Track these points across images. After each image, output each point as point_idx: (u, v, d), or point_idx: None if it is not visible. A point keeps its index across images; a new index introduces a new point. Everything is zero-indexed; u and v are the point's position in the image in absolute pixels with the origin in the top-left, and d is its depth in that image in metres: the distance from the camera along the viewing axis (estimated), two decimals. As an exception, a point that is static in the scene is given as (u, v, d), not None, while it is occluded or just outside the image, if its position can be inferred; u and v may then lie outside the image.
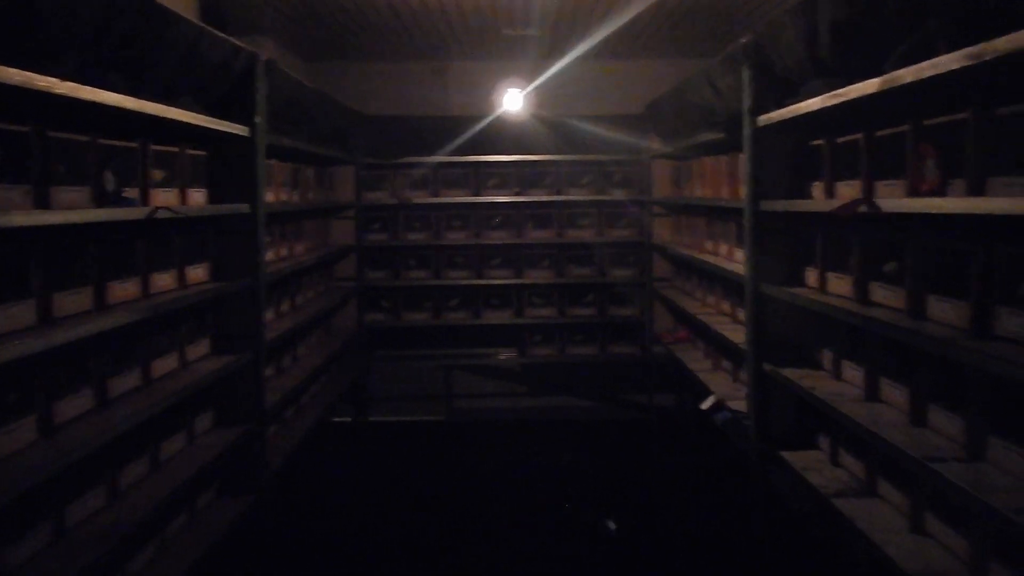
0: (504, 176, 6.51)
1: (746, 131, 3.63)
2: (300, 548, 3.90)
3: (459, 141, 6.34)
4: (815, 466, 3.36)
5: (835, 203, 2.89)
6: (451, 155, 6.36)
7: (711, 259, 4.73)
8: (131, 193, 2.91)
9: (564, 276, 6.52)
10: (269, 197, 4.17)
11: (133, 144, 2.95)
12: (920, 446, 2.46)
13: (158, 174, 3.13)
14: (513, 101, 6.27)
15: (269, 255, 4.30)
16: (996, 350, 2.08)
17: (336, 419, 6.22)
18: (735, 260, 4.35)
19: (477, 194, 6.46)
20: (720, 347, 4.77)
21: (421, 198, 6.46)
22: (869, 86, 2.43)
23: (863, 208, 2.58)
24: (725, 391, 4.42)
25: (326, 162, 5.95)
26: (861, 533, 2.70)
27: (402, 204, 6.47)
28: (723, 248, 4.67)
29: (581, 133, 6.43)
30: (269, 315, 4.37)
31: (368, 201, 6.50)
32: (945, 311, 2.43)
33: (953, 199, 2.17)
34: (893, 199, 2.50)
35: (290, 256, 4.86)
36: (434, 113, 6.50)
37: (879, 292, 2.83)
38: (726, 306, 4.79)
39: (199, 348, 3.56)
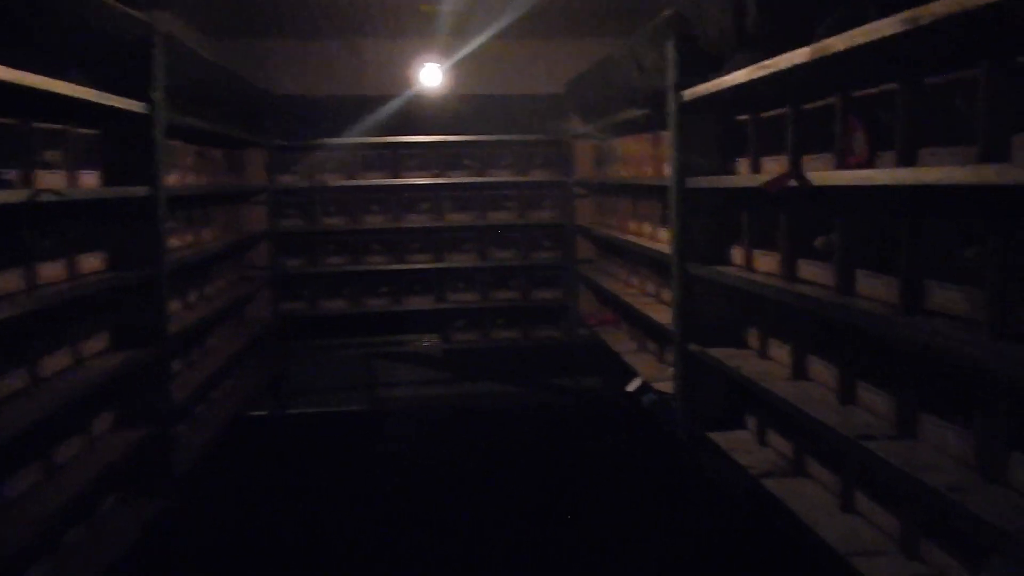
0: (424, 157, 6.34)
1: (671, 106, 3.56)
2: (213, 555, 3.69)
3: (376, 121, 6.13)
4: (743, 446, 3.33)
5: (761, 178, 2.83)
6: (369, 136, 6.15)
7: (635, 239, 4.67)
8: (11, 175, 2.65)
9: (487, 260, 6.40)
10: (172, 180, 3.91)
11: (13, 121, 2.68)
12: (850, 424, 2.42)
13: (50, 154, 2.86)
14: (431, 76, 6.03)
15: (173, 242, 4.04)
16: (926, 324, 2.05)
17: (253, 413, 5.97)
18: (659, 240, 4.29)
19: (396, 176, 6.27)
20: (645, 328, 4.73)
21: (338, 181, 6.23)
22: (799, 55, 2.37)
23: (792, 182, 2.53)
24: (651, 373, 4.37)
25: (236, 144, 5.67)
26: (792, 513, 2.67)
27: (318, 188, 6.24)
28: (647, 228, 4.61)
29: (502, 114, 6.30)
30: (175, 306, 4.12)
31: (282, 185, 6.24)
32: (874, 286, 2.39)
33: (883, 170, 2.12)
34: (822, 172, 2.44)
35: (197, 243, 4.59)
36: (350, 92, 6.26)
37: (807, 269, 2.79)
38: (651, 287, 4.74)
39: (96, 343, 3.31)
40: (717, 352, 3.39)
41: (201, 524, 3.86)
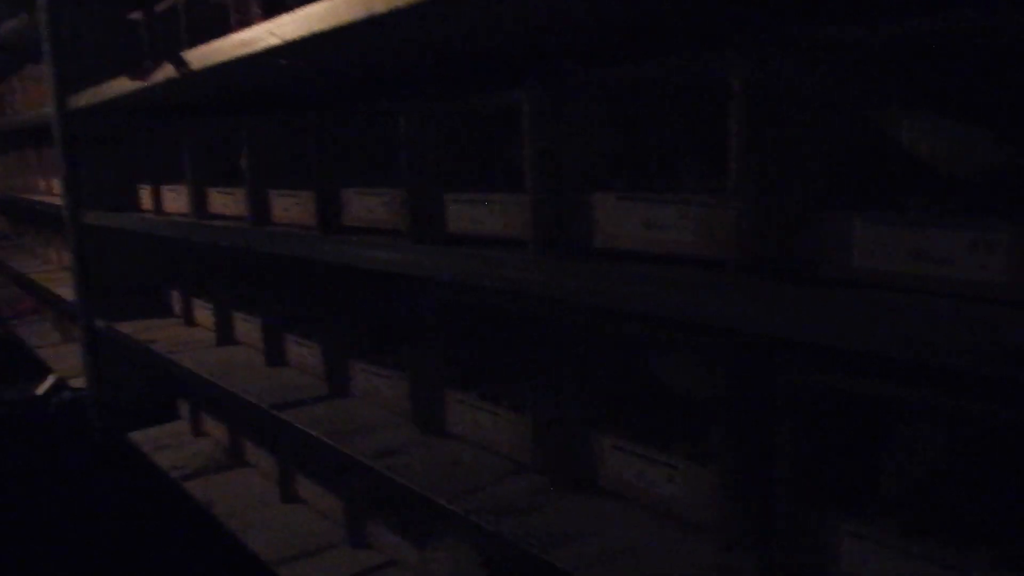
0: None
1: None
2: None
3: None
4: (174, 442, 2.61)
5: (155, 79, 2.10)
6: None
7: (46, 200, 3.61)
8: None
9: None
10: None
11: None
12: (274, 391, 1.84)
13: None
14: None
15: None
16: (337, 243, 1.54)
17: None
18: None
19: None
20: (67, 313, 3.70)
21: None
22: None
23: (168, 69, 1.85)
24: (73, 367, 3.40)
25: None
26: (216, 520, 2.02)
27: None
28: (56, 184, 3.58)
29: None
30: None
31: None
32: (290, 208, 1.83)
33: (263, 25, 1.53)
34: (202, 49, 1.79)
35: None
36: None
37: (218, 200, 2.14)
38: (67, 257, 3.72)
39: None
40: (129, 326, 2.59)
41: None
